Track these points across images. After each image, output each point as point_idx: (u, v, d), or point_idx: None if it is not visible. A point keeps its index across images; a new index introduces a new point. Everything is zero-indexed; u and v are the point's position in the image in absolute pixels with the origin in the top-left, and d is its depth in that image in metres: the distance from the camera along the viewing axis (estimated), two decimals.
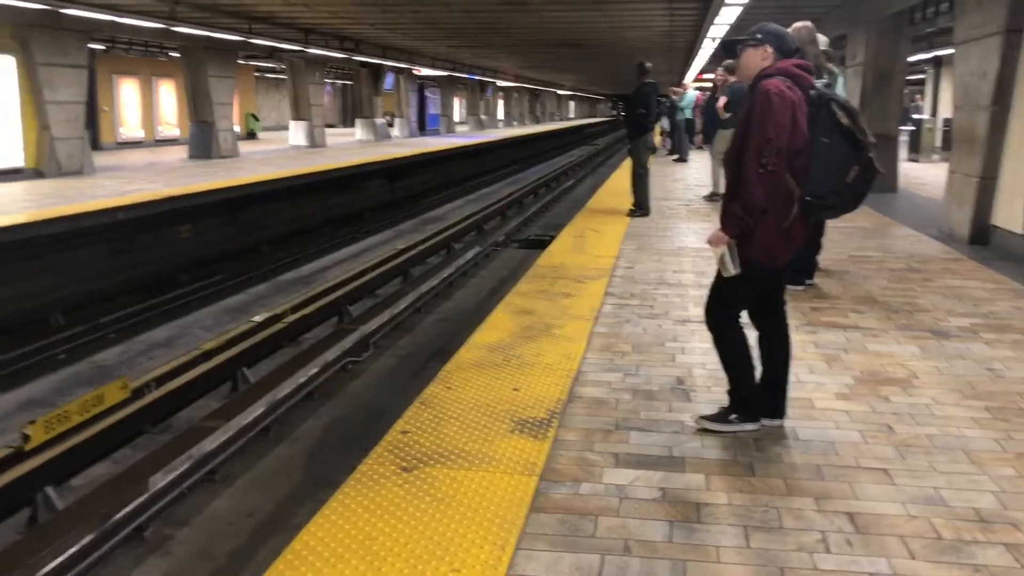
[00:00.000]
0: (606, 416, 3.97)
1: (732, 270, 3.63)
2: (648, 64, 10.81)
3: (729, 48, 3.92)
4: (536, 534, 2.90)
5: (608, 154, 42.62)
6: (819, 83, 3.89)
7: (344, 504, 3.08)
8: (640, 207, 10.90)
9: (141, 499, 5.17)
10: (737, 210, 3.57)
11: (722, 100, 10.64)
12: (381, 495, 3.14)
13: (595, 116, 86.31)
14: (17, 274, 9.44)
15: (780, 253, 3.70)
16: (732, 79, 11.98)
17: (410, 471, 3.34)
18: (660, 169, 17.39)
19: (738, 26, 13.68)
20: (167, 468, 5.66)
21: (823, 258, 7.16)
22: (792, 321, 5.55)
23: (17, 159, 14.05)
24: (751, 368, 3.85)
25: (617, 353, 4.96)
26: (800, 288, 6.59)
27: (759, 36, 3.72)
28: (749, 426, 3.80)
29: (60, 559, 4.50)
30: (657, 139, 21.29)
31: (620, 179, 14.84)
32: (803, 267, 6.73)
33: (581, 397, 4.22)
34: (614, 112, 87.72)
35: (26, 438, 5.60)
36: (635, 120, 10.84)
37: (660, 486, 3.25)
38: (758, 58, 3.70)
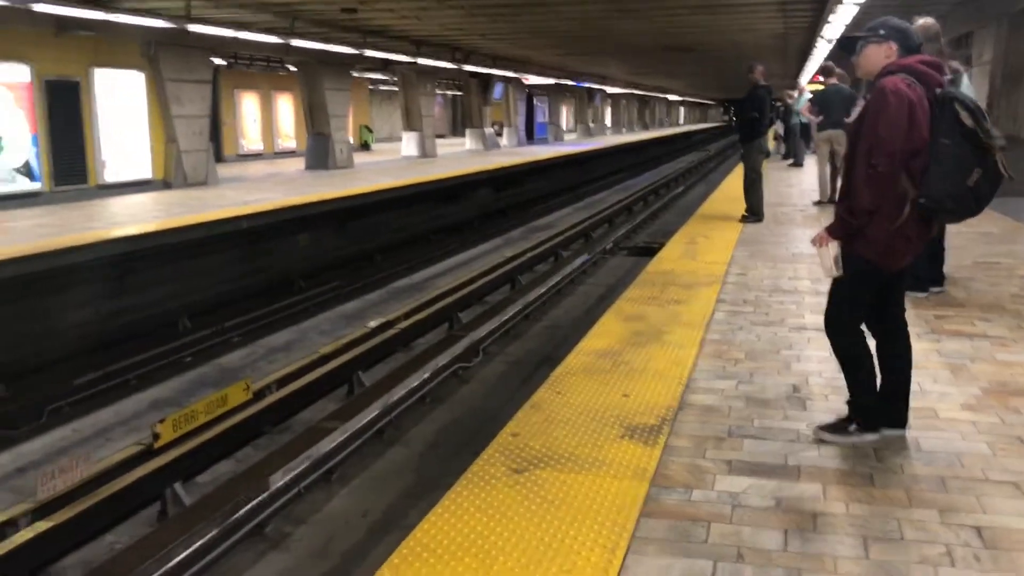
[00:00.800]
0: (718, 423, 3.92)
1: (835, 271, 3.55)
2: (761, 67, 10.60)
3: (848, 44, 3.78)
4: (647, 538, 2.88)
5: (720, 160, 41.95)
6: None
7: (456, 503, 3.13)
8: (753, 212, 10.69)
9: (262, 497, 5.37)
10: (842, 212, 3.49)
11: (805, 105, 10.40)
12: (492, 495, 3.19)
13: (706, 121, 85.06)
14: (148, 280, 9.95)
15: (893, 253, 3.55)
16: (832, 81, 11.65)
17: (520, 473, 3.38)
18: (775, 174, 17.01)
19: (854, 25, 13.28)
20: (286, 468, 5.87)
21: (945, 265, 6.87)
22: (915, 329, 5.35)
23: (146, 171, 14.83)
24: (872, 377, 3.72)
25: (730, 360, 4.89)
26: (923, 295, 6.35)
27: (882, 32, 3.60)
28: (869, 437, 3.67)
29: (187, 552, 4.72)
30: (771, 143, 20.91)
31: (732, 184, 14.59)
32: (926, 274, 6.48)
33: (692, 404, 4.18)
34: (725, 117, 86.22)
35: (156, 436, 5.90)
36: (748, 124, 10.65)
37: (775, 495, 3.19)
38: (881, 55, 3.59)
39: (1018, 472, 3.35)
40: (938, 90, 3.47)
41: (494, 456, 3.55)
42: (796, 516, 3.03)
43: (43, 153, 12.76)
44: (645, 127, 57.56)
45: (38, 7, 10.74)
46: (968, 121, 3.34)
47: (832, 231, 3.54)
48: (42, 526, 4.85)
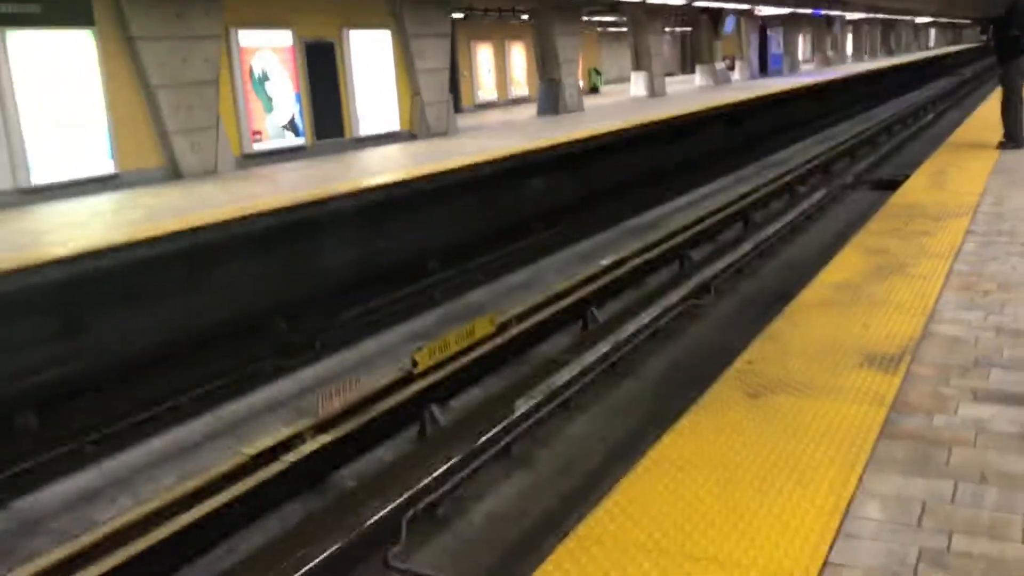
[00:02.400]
0: (964, 354, 3.85)
1: None
2: None
3: None
4: (886, 459, 2.96)
5: (976, 84, 38.41)
6: None
7: (695, 423, 3.33)
8: (1012, 139, 9.91)
9: (507, 420, 5.82)
10: None
11: None
12: (729, 417, 3.36)
13: (960, 43, 77.68)
14: (401, 226, 10.75)
15: None
16: None
17: (756, 397, 3.52)
18: None
19: None
20: (528, 395, 6.30)
21: None
22: None
23: (394, 123, 15.82)
24: None
25: (979, 292, 4.71)
26: None
27: None
28: None
29: (445, 466, 5.23)
30: None
31: (989, 110, 13.48)
32: None
33: (936, 334, 4.11)
34: (983, 37, 78.29)
35: (415, 363, 6.49)
36: (1008, 43, 9.82)
37: (1023, 422, 3.14)
38: None
39: None
40: None
41: (730, 381, 3.71)
42: None
43: (305, 110, 13.97)
44: (890, 53, 53.54)
45: None
46: None
47: None
48: (324, 439, 5.54)
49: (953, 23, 74.04)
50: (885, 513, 2.63)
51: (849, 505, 2.68)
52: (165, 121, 11.43)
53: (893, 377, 3.62)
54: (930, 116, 25.58)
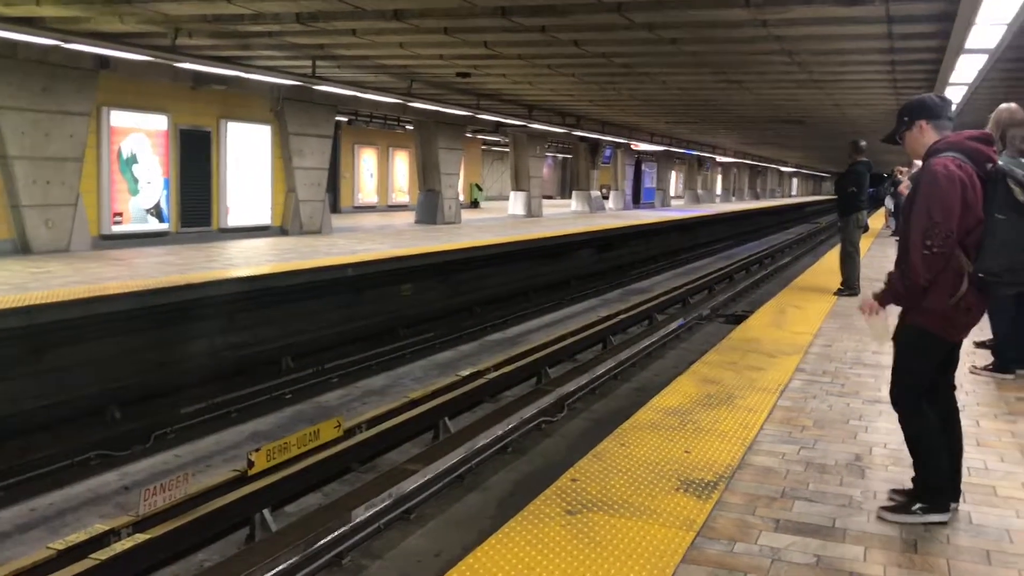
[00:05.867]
0: (774, 484, 4.03)
1: (886, 338, 3.68)
2: (862, 143, 10.64)
3: (891, 141, 3.96)
4: None
5: (831, 232, 41.15)
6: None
7: (509, 536, 3.35)
8: (848, 286, 10.63)
9: (343, 529, 5.67)
10: (898, 287, 3.58)
11: (904, 184, 10.33)
12: (544, 532, 3.39)
13: (819, 194, 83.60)
14: (256, 321, 10.56)
15: (954, 324, 3.60)
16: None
17: (574, 514, 3.57)
18: (880, 249, 16.75)
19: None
20: (369, 503, 6.17)
21: None
22: (991, 409, 5.36)
23: (265, 218, 15.71)
24: (940, 454, 3.67)
25: (797, 427, 4.97)
26: (1010, 377, 6.26)
27: (906, 119, 3.77)
28: (935, 517, 3.59)
29: (269, 574, 5.03)
30: (881, 220, 20.50)
31: (834, 257, 14.44)
32: (1016, 356, 6.39)
33: (752, 465, 4.30)
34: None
35: (251, 464, 6.29)
36: (846, 198, 10.66)
37: (816, 553, 3.30)
38: (917, 137, 3.73)
39: None
40: (989, 165, 3.52)
41: (551, 497, 3.76)
42: (833, 575, 3.12)
43: (173, 196, 13.74)
44: (756, 196, 57.04)
45: (180, 64, 11.69)
46: (1021, 196, 3.41)
47: (881, 299, 3.64)
48: (141, 538, 5.25)
49: (814, 174, 79.85)
50: None
51: None
52: (19, 194, 11.01)
53: (705, 503, 3.75)
54: (787, 259, 27.16)
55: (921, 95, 3.89)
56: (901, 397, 3.77)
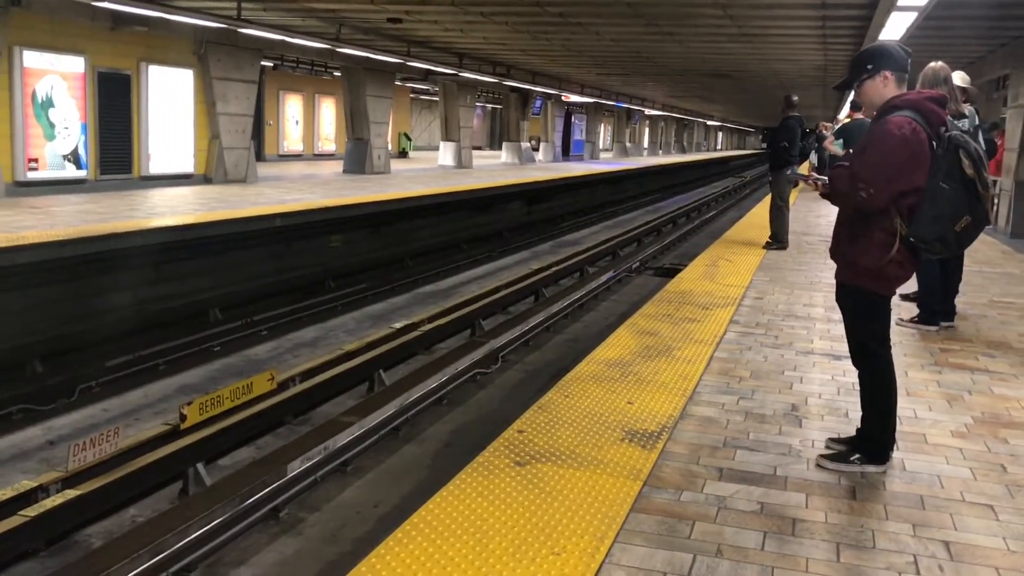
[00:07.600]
0: (715, 434, 4.11)
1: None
2: (795, 97, 10.79)
3: (846, 88, 3.87)
4: (634, 531, 3.08)
5: (755, 186, 41.94)
6: (961, 124, 3.77)
7: (460, 488, 3.35)
8: (777, 240, 10.84)
9: (279, 483, 5.61)
10: (835, 184, 3.75)
11: (829, 139, 10.54)
12: (494, 483, 3.40)
13: (745, 148, 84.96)
14: (183, 272, 10.28)
15: (887, 279, 3.65)
16: (858, 116, 11.50)
17: (523, 466, 3.59)
18: (805, 204, 17.12)
19: None
20: (304, 456, 6.11)
21: (960, 301, 6.99)
22: (918, 360, 5.55)
23: (188, 165, 15.23)
24: (893, 413, 3.73)
25: (734, 378, 5.07)
26: (934, 328, 6.48)
27: (869, 67, 3.65)
28: (873, 468, 3.69)
29: (204, 529, 4.95)
30: (805, 172, 20.89)
31: (762, 211, 14.71)
32: (940, 309, 6.62)
33: (693, 415, 4.37)
34: (764, 145, 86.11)
35: (183, 417, 6.16)
36: (777, 153, 10.82)
37: (759, 500, 3.38)
38: (879, 87, 3.64)
39: (995, 496, 3.50)
40: (943, 129, 3.50)
41: (499, 449, 3.76)
42: (777, 520, 3.21)
43: (91, 142, 13.19)
44: (683, 150, 57.66)
45: (98, 3, 11.15)
46: (969, 170, 3.40)
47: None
48: (71, 494, 5.11)
49: (740, 129, 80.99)
50: None
51: (597, 574, 2.77)
52: None
53: (650, 453, 3.80)
54: (712, 212, 27.59)
55: (883, 42, 3.82)
56: (857, 354, 3.83)
